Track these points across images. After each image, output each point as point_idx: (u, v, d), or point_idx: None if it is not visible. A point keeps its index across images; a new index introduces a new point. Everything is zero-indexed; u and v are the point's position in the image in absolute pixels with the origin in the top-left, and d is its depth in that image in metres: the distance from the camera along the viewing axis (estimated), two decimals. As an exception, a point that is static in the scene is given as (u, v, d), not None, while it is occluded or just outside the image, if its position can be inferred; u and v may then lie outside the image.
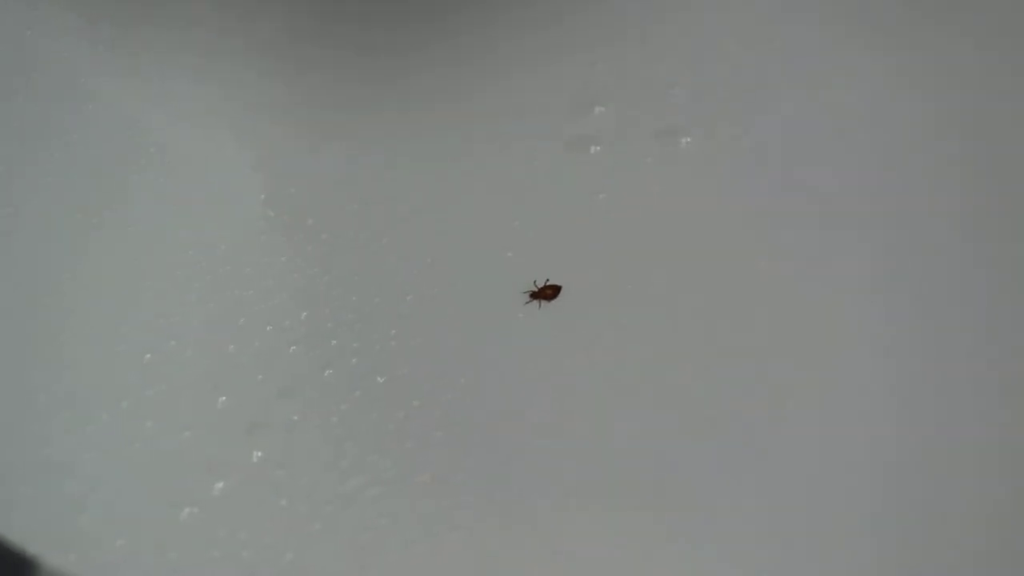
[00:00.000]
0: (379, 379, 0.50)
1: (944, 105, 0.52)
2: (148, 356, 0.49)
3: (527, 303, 0.51)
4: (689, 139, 0.52)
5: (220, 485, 0.48)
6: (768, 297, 0.50)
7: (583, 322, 0.51)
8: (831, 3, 0.54)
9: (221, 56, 0.54)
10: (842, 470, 0.48)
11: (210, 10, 0.54)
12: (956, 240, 0.51)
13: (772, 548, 0.47)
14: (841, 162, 0.52)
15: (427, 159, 0.53)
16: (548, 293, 0.51)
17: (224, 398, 0.49)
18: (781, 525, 0.48)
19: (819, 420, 0.49)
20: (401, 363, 0.50)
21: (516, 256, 0.51)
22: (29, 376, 0.48)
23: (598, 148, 0.53)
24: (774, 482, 0.48)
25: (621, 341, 0.50)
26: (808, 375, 0.49)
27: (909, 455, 0.47)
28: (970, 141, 0.52)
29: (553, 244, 0.52)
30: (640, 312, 0.51)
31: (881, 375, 0.49)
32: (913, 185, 0.52)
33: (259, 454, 0.48)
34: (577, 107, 0.53)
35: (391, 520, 0.48)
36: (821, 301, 0.50)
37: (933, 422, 0.48)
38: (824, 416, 0.49)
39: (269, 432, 0.49)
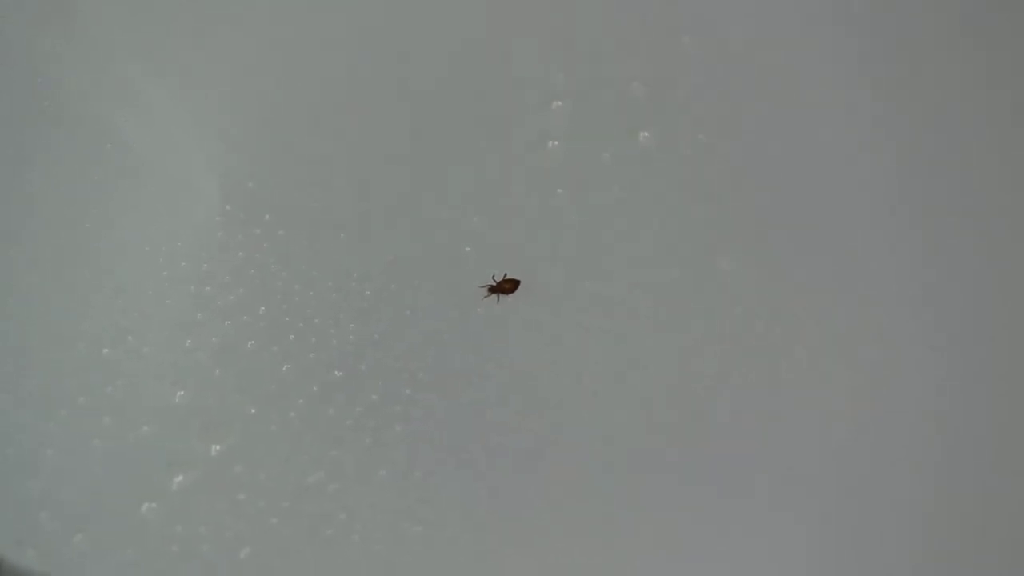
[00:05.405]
0: (337, 373, 0.50)
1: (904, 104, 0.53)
2: (106, 351, 0.49)
3: (485, 297, 0.51)
4: (647, 133, 0.53)
5: (179, 480, 0.48)
6: (726, 292, 0.51)
7: (542, 317, 0.51)
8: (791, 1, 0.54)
9: (181, 53, 0.54)
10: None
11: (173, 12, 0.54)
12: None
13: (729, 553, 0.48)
14: (802, 157, 0.53)
15: (385, 155, 0.53)
16: (506, 287, 0.51)
17: (182, 393, 0.49)
18: (741, 525, 0.49)
19: (787, 423, 0.50)
20: (359, 358, 0.50)
21: (474, 251, 0.51)
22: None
23: (556, 143, 0.52)
24: (720, 487, 0.49)
25: (580, 336, 0.51)
26: (770, 374, 0.50)
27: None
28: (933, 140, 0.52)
29: (511, 239, 0.52)
30: (598, 307, 0.51)
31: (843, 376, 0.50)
32: (864, 179, 0.52)
33: (217, 448, 0.48)
34: (535, 101, 0.53)
35: (350, 515, 0.48)
36: (780, 299, 0.51)
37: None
38: (792, 416, 0.50)
39: (227, 427, 0.49)
